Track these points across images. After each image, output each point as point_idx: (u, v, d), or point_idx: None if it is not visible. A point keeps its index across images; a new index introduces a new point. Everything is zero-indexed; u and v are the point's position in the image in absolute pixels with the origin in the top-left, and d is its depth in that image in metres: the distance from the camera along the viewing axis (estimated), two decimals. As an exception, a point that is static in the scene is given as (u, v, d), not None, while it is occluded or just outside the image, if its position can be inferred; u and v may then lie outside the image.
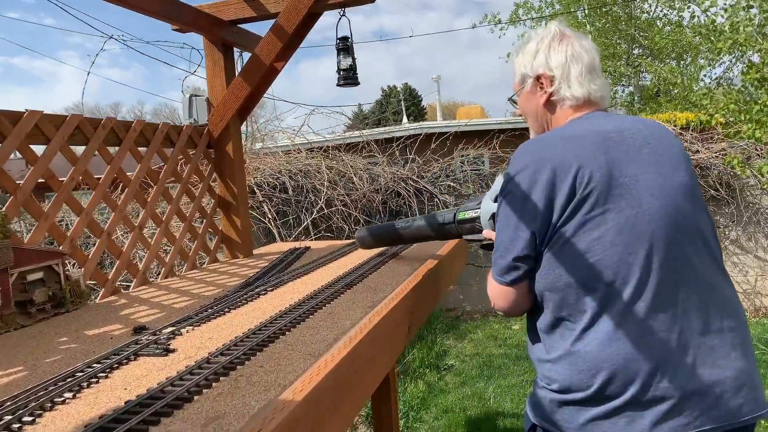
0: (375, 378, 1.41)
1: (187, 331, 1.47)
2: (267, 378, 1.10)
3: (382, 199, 5.98)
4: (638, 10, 16.37)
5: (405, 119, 19.90)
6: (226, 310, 1.68)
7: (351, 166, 6.00)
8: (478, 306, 7.14)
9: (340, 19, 2.58)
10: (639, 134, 1.42)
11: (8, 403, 1.03)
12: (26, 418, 0.98)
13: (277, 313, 1.56)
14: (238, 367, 1.17)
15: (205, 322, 1.55)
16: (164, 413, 0.96)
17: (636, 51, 17.06)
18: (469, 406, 4.21)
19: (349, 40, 2.58)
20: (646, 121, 1.52)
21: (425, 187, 6.43)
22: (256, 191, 4.92)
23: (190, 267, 2.60)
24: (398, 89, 30.58)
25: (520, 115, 1.75)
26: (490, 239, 1.66)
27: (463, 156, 7.36)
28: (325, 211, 5.28)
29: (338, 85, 2.56)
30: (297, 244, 3.08)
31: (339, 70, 2.57)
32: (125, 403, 0.99)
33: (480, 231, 1.77)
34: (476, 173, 7.16)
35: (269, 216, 4.83)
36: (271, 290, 1.91)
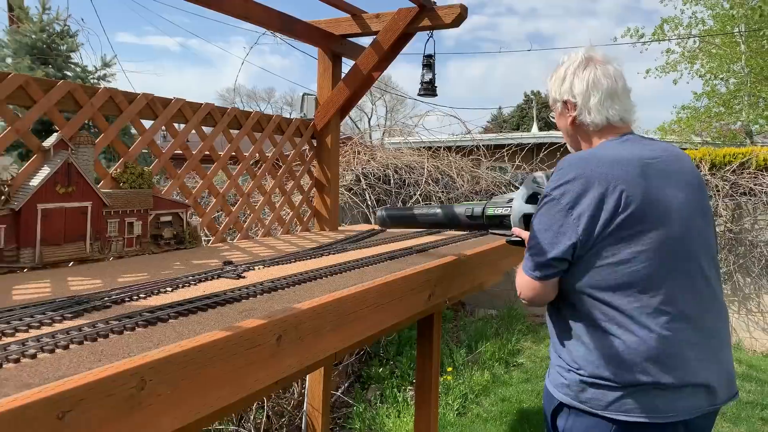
0: (381, 320, 1.86)
1: (259, 269, 2.03)
2: (295, 297, 1.61)
3: (480, 199, 6.34)
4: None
5: (535, 127, 19.71)
6: (293, 260, 2.22)
7: (455, 166, 6.41)
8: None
9: (428, 40, 3.04)
10: (669, 161, 1.68)
11: (135, 288, 1.63)
12: (141, 295, 1.57)
13: (324, 266, 2.08)
14: (279, 290, 1.70)
15: (274, 265, 2.11)
16: (220, 303, 1.50)
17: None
18: (525, 399, 4.50)
19: (433, 57, 3.03)
20: (672, 148, 1.79)
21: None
22: (362, 180, 5.52)
23: (284, 232, 3.21)
24: (532, 96, 30.13)
25: None
26: (518, 236, 1.92)
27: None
28: (421, 203, 5.77)
29: (419, 94, 3.03)
30: (377, 226, 3.59)
31: (421, 82, 3.04)
32: (198, 295, 1.55)
33: (507, 227, 2.01)
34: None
35: (369, 202, 5.40)
36: (334, 254, 2.43)
